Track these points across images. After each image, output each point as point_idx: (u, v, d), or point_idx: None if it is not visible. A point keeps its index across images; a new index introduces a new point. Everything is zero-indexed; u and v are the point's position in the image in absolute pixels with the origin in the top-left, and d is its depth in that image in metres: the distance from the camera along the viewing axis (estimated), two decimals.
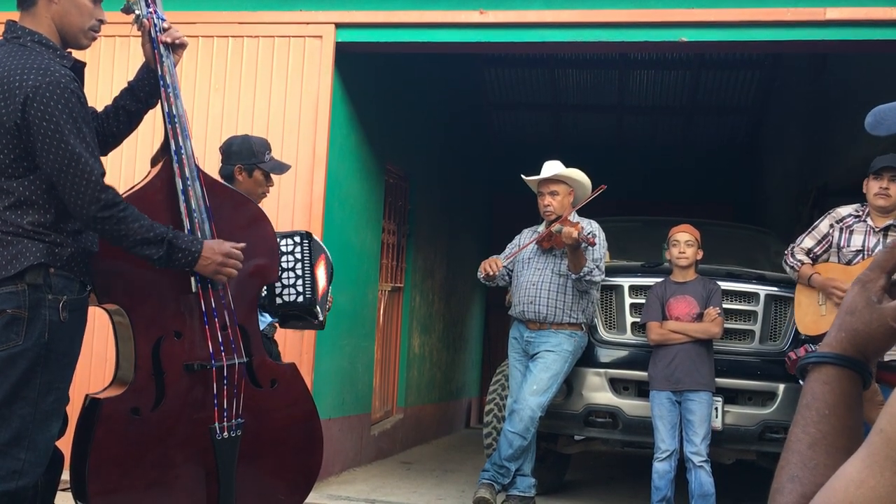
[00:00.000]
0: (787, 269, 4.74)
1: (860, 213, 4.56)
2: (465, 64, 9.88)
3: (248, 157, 3.91)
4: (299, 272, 3.88)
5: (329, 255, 4.01)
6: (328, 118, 5.45)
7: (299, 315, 3.95)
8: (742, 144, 11.72)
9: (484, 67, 10.56)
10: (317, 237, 4.07)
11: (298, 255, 3.88)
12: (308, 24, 5.46)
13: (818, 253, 4.64)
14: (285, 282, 3.84)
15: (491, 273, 4.86)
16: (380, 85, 6.60)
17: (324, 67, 5.45)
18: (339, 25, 5.45)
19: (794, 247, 4.71)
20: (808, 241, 4.66)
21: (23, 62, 2.55)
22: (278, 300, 3.88)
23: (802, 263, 4.62)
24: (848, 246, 4.52)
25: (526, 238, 5.15)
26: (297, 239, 3.85)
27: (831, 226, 4.61)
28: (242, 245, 2.87)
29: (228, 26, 5.52)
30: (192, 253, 2.73)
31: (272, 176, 4.01)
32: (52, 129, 2.51)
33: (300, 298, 3.81)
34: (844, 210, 4.63)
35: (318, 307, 3.88)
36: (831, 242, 4.59)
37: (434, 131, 8.55)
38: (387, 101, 6.81)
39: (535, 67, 10.51)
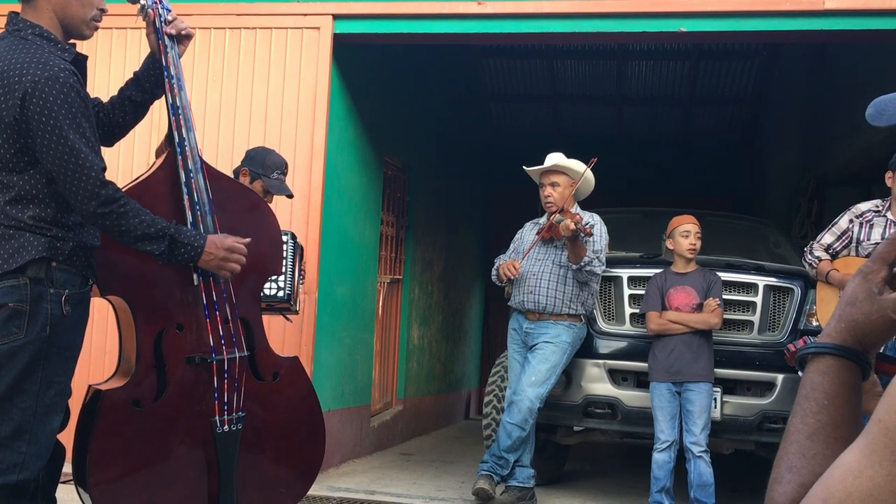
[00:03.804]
0: (806, 265, 4.77)
1: (880, 207, 4.59)
2: (463, 55, 9.86)
3: (257, 166, 4.21)
4: (282, 268, 4.11)
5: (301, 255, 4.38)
6: (326, 110, 5.44)
7: (276, 308, 4.19)
8: (741, 135, 11.71)
9: (482, 58, 10.54)
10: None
11: (283, 253, 4.13)
12: (306, 15, 5.46)
13: (838, 249, 4.66)
14: None
15: (512, 277, 4.85)
16: (378, 76, 6.59)
17: (322, 59, 5.44)
18: (336, 17, 5.44)
19: (813, 243, 4.72)
20: (827, 238, 4.68)
21: (22, 56, 2.54)
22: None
23: (820, 260, 4.64)
24: (868, 240, 4.54)
25: (527, 230, 5.16)
26: (284, 238, 4.09)
27: (851, 221, 4.63)
28: (247, 240, 2.86)
29: (226, 18, 5.51)
30: (195, 248, 2.72)
31: (274, 196, 4.28)
32: (51, 125, 2.50)
33: (280, 293, 4.07)
34: (864, 206, 4.66)
35: (294, 300, 4.21)
36: (851, 238, 4.61)
37: (432, 123, 8.54)
38: (385, 93, 6.80)
39: (533, 58, 10.49)
